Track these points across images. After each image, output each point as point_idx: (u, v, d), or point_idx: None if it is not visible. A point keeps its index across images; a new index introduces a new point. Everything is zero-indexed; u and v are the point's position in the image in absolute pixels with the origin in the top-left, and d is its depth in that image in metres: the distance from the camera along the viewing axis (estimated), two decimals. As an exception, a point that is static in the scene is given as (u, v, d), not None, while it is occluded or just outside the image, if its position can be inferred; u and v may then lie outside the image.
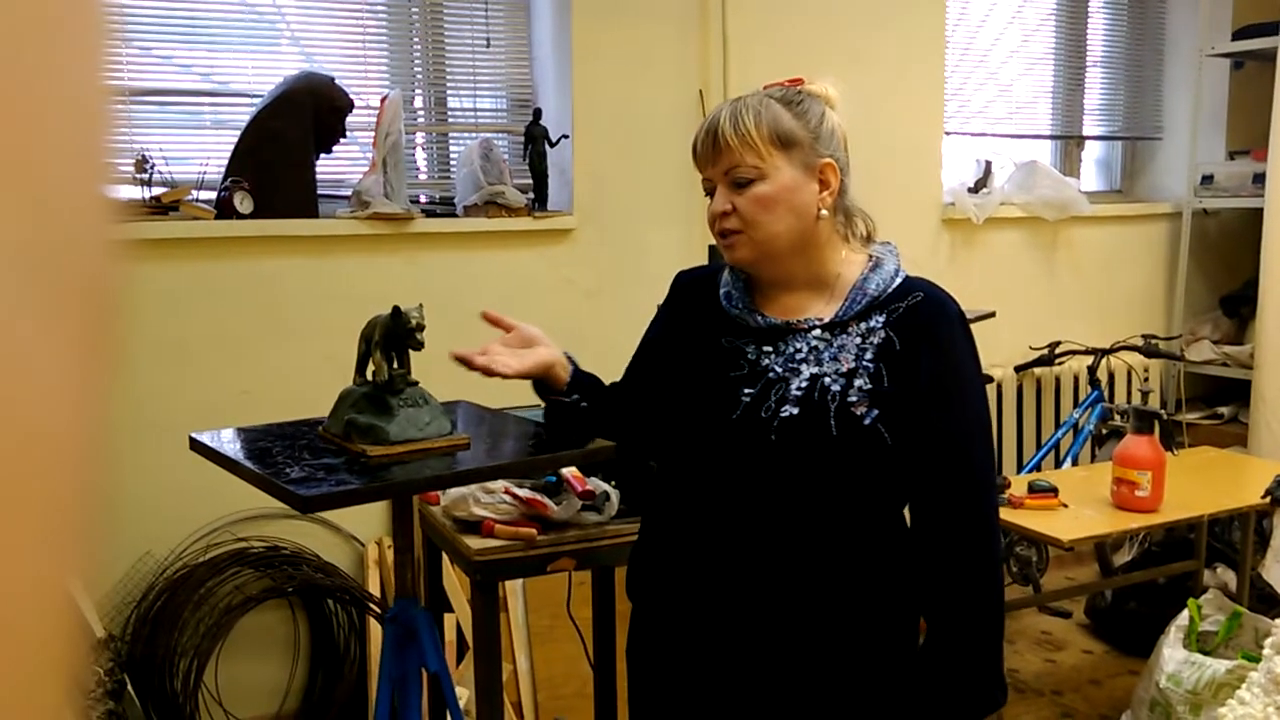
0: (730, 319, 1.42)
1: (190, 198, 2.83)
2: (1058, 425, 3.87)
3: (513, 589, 2.83)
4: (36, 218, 0.22)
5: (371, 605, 2.83)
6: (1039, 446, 3.84)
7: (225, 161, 2.87)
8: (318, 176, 3.04)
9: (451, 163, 3.26)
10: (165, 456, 2.45)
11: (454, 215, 3.13)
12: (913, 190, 3.71)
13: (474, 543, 1.74)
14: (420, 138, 3.30)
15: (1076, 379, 3.96)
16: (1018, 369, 3.84)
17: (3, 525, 0.21)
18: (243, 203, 2.80)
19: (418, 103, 3.27)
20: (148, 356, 2.70)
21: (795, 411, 1.31)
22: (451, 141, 3.30)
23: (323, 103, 2.93)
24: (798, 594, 1.31)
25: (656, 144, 3.23)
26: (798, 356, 1.36)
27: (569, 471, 1.80)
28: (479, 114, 3.30)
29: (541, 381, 1.49)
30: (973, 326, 3.29)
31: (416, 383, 1.43)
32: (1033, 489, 2.76)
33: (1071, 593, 3.53)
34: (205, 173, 2.87)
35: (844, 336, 1.35)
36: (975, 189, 3.86)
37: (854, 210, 1.44)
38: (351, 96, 2.98)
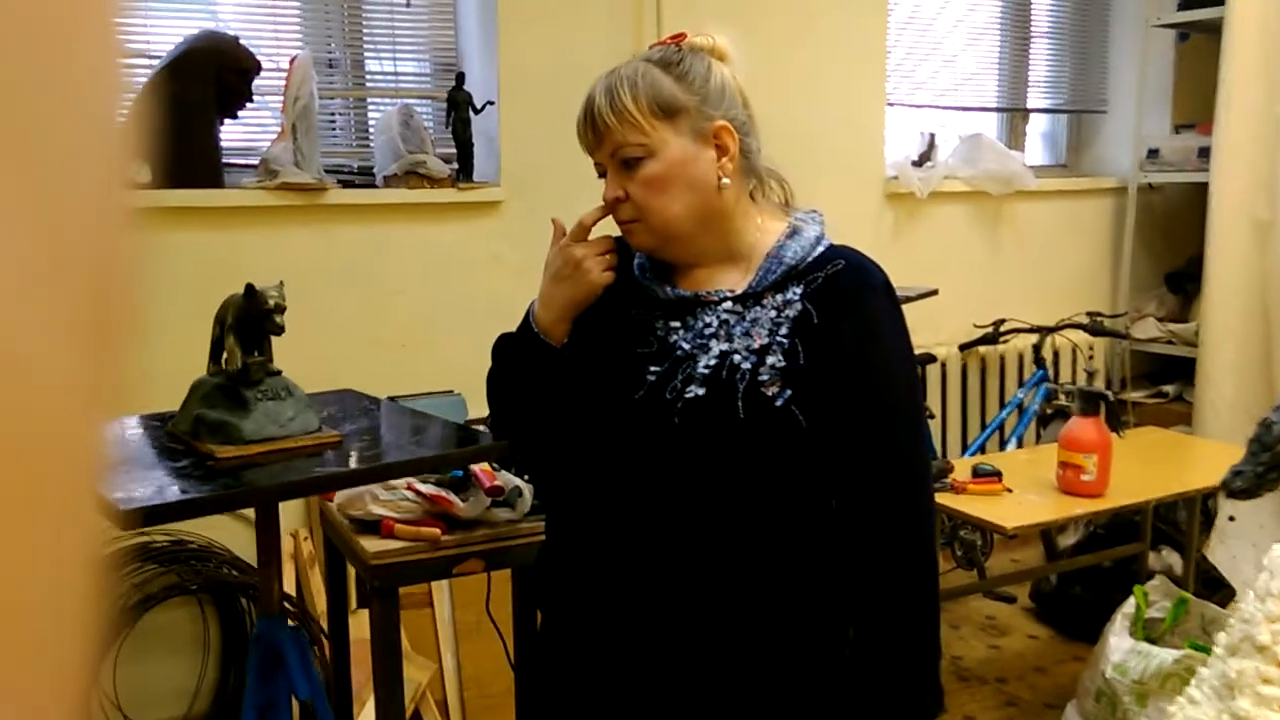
0: (641, 290, 1.29)
1: (81, 166, 2.62)
2: (1002, 405, 3.78)
3: (438, 584, 2.68)
4: (46, 209, 0.22)
5: (285, 605, 2.66)
6: (984, 427, 3.76)
7: (120, 127, 2.65)
8: (224, 144, 2.84)
9: (371, 130, 3.07)
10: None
11: (374, 186, 2.95)
12: (855, 163, 3.58)
13: (371, 544, 1.58)
14: (338, 103, 3.10)
15: (1021, 357, 3.88)
16: (962, 347, 3.75)
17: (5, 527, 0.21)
18: (139, 171, 2.59)
19: (334, 65, 3.07)
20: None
21: (701, 392, 1.19)
22: (371, 107, 3.10)
23: (226, 63, 2.73)
24: (711, 593, 1.19)
25: (588, 112, 3.06)
26: (707, 332, 1.24)
27: (478, 465, 1.65)
28: (400, 78, 3.11)
29: (531, 330, 1.30)
30: (915, 305, 3.15)
31: (278, 372, 1.25)
32: (976, 473, 2.66)
33: (1016, 578, 3.46)
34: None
35: (757, 309, 1.23)
36: (919, 162, 3.74)
37: (765, 173, 1.32)
38: (259, 58, 2.78)
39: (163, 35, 2.78)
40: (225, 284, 2.66)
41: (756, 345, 1.21)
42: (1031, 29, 4.16)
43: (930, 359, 3.46)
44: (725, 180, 1.23)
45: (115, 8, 0.24)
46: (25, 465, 0.21)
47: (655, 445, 1.20)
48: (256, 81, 2.80)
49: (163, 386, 2.34)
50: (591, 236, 1.31)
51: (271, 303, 1.21)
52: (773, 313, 1.23)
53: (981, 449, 3.64)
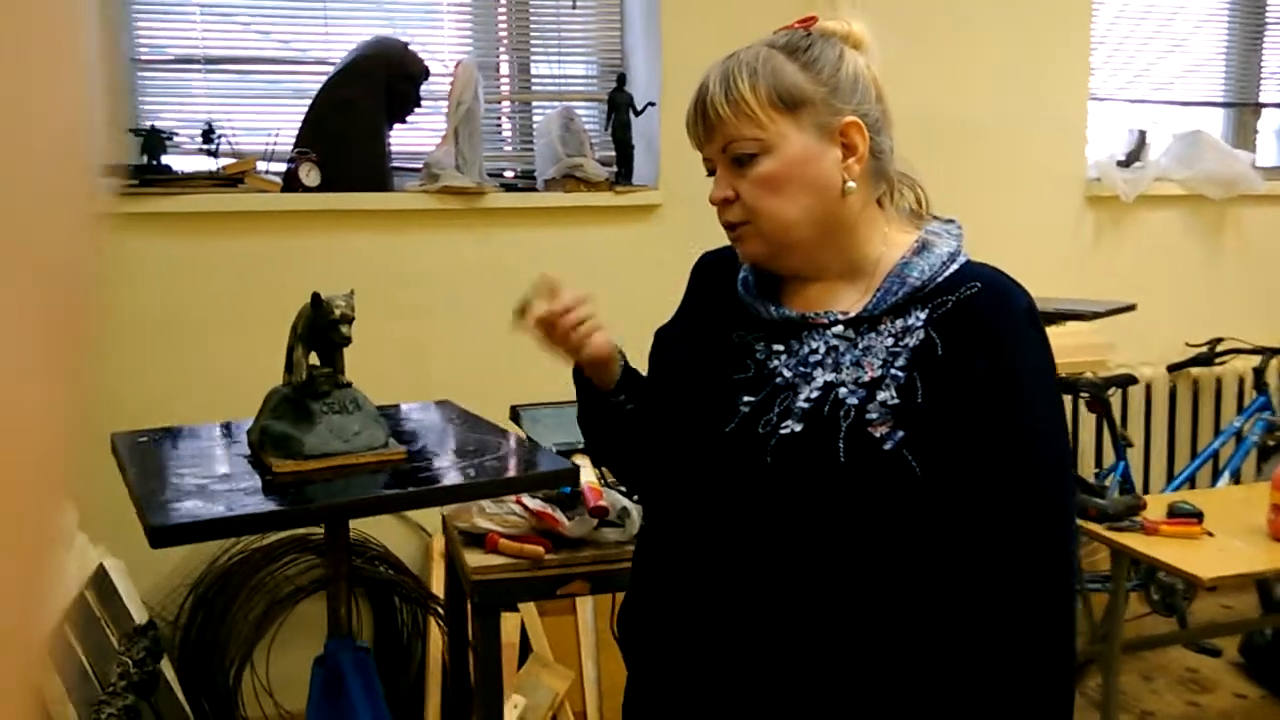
0: (744, 309, 1.16)
1: (262, 169, 2.73)
2: (1216, 433, 3.39)
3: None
4: (9, 211, 0.22)
5: (435, 606, 2.68)
6: (1193, 457, 3.38)
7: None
8: (393, 148, 2.90)
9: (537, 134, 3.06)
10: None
11: (535, 190, 2.94)
12: (1052, 163, 3.30)
13: (474, 559, 1.53)
14: (505, 107, 3.11)
15: (1241, 381, 3.46)
16: (1171, 368, 3.38)
17: None
18: (309, 175, 2.68)
19: (503, 70, 3.09)
20: (212, 330, 2.62)
21: (798, 429, 1.05)
22: (536, 111, 3.10)
23: (395, 70, 2.78)
24: (802, 655, 1.04)
25: (754, 112, 2.95)
26: (812, 359, 1.09)
27: (586, 482, 1.58)
28: (565, 81, 3.09)
29: (582, 373, 1.23)
30: (1113, 321, 2.81)
31: (348, 384, 1.21)
32: (1172, 513, 2.37)
33: (1225, 629, 3.08)
34: (275, 144, 2.76)
35: (872, 336, 1.08)
36: (1126, 163, 3.41)
37: (899, 177, 1.16)
38: (426, 63, 2.82)
39: (340, 42, 2.86)
40: (393, 283, 2.73)
41: (868, 378, 1.05)
42: (1266, 15, 3.71)
43: (1131, 380, 3.13)
44: (851, 183, 1.08)
45: (82, 24, 0.24)
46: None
47: (745, 485, 1.06)
48: (425, 87, 2.84)
49: (350, 373, 2.41)
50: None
51: (338, 312, 1.17)
52: (890, 340, 1.07)
53: (1190, 482, 3.27)
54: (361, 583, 2.75)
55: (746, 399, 1.09)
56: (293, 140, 2.74)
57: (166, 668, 2.33)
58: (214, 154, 2.65)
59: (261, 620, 2.57)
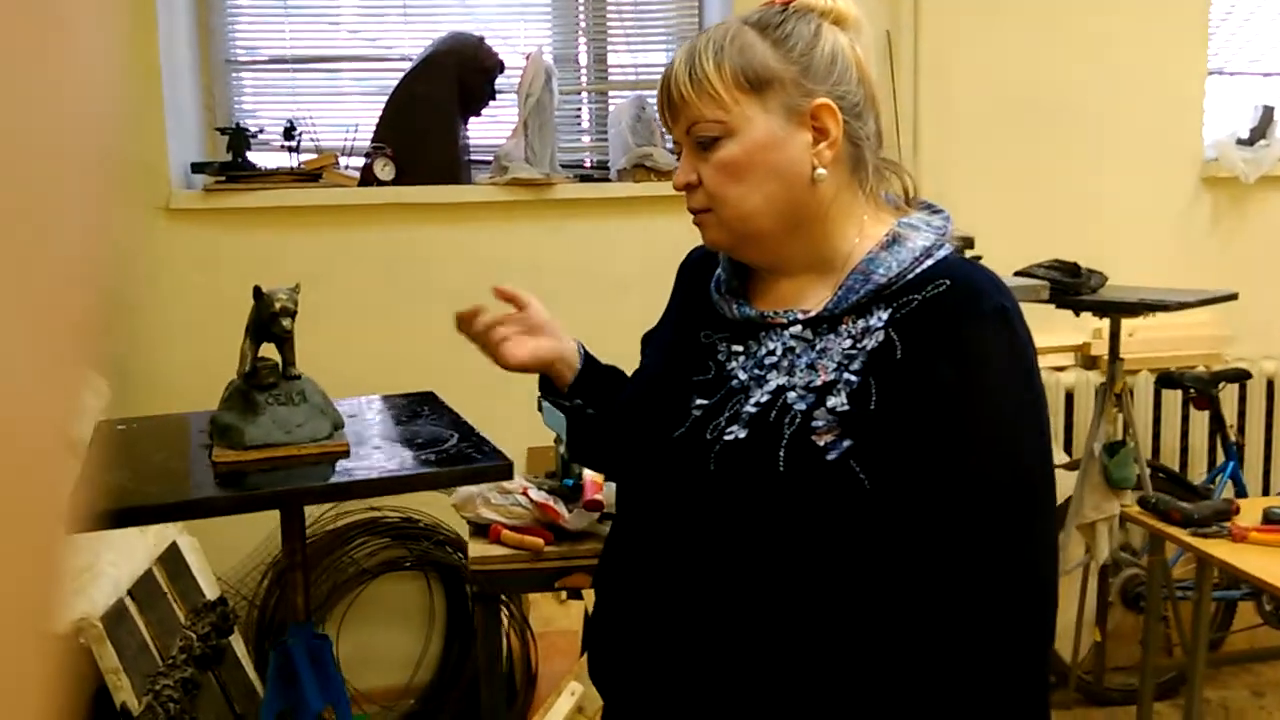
0: (714, 308, 1.12)
1: (342, 164, 2.82)
2: (1350, 434, 3.11)
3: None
4: (22, 220, 0.22)
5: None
6: (1320, 459, 3.11)
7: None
8: (471, 142, 2.95)
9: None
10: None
11: (609, 180, 2.94)
12: (1163, 141, 3.08)
13: (477, 548, 1.55)
14: (585, 97, 3.12)
15: (1380, 378, 3.16)
16: (1296, 363, 3.12)
17: None
18: (384, 169, 2.75)
19: (582, 60, 3.10)
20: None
21: (741, 435, 0.99)
22: (613, 100, 3.09)
23: (468, 65, 2.82)
24: (754, 670, 0.98)
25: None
26: (767, 361, 1.04)
27: (589, 475, 1.57)
28: (642, 70, 3.07)
29: (549, 379, 1.24)
30: (1224, 308, 2.59)
31: (297, 376, 1.23)
32: (1268, 518, 2.18)
33: (1346, 645, 2.83)
34: (354, 139, 2.84)
35: (830, 337, 1.01)
36: (1249, 141, 3.15)
37: (884, 164, 1.08)
38: (502, 57, 2.85)
39: (423, 38, 2.93)
40: (466, 276, 2.77)
41: (819, 382, 0.99)
42: None
43: (1244, 375, 2.90)
44: (821, 170, 1.01)
45: (102, 22, 0.24)
46: None
47: (689, 492, 1.01)
48: (501, 80, 2.88)
49: (406, 374, 2.47)
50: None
51: (278, 305, 1.19)
52: (848, 342, 1.00)
53: (1315, 486, 3.01)
54: (435, 567, 2.82)
55: (699, 402, 1.05)
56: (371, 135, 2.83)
57: (238, 643, 2.45)
58: (295, 150, 2.75)
59: (332, 600, 2.67)
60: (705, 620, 1.00)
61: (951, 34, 2.90)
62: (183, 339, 2.65)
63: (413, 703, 2.83)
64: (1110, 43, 2.98)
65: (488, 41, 2.84)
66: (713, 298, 1.12)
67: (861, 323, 1.00)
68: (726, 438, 1.00)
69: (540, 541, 1.53)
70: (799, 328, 1.04)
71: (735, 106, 1.00)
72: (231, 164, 2.70)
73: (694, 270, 1.21)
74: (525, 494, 1.58)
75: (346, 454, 1.21)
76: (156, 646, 2.05)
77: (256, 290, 1.18)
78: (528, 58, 2.81)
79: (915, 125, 2.90)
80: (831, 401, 0.97)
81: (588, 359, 1.25)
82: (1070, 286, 2.32)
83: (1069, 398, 2.99)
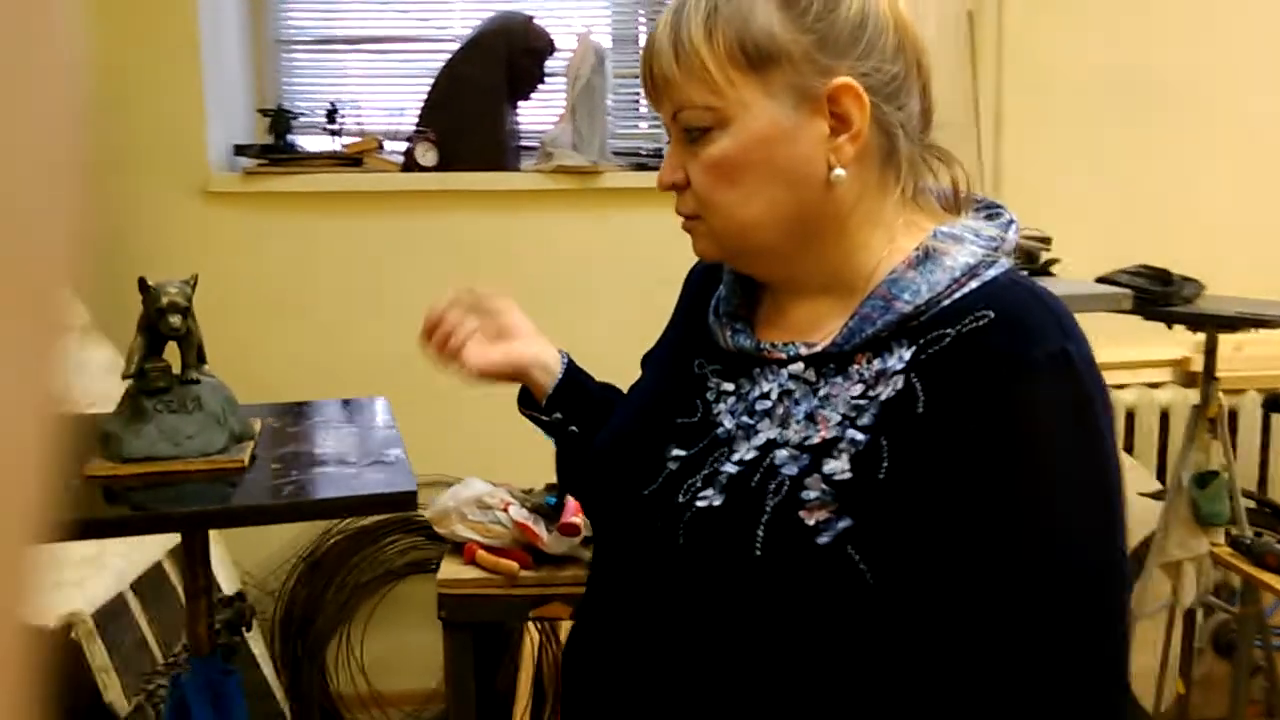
0: (709, 332, 0.92)
1: (387, 149, 2.73)
2: None
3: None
4: None
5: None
6: None
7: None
8: (521, 127, 2.82)
9: (671, 109, 2.89)
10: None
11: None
12: (1282, 137, 2.76)
13: (449, 569, 1.41)
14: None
15: None
16: None
17: None
18: (425, 155, 2.65)
19: (642, 41, 2.94)
20: (330, 310, 2.64)
21: (717, 503, 0.79)
22: (672, 85, 2.93)
23: (517, 45, 2.69)
24: None
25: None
26: (759, 406, 0.83)
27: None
28: (703, 52, 2.90)
29: (528, 390, 1.07)
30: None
31: (196, 380, 1.09)
32: (1382, 568, 1.91)
33: None
34: (399, 123, 2.75)
35: (837, 381, 0.80)
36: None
37: (924, 154, 0.85)
38: (551, 37, 2.71)
39: (474, 18, 2.81)
40: (510, 266, 2.65)
41: (817, 439, 0.78)
42: None
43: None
44: (839, 170, 0.80)
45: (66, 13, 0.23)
46: None
47: (657, 564, 0.83)
48: (552, 62, 2.74)
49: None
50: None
51: (165, 300, 1.05)
52: (858, 388, 0.79)
53: None
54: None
55: (676, 453, 0.85)
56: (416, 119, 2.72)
57: (257, 640, 2.38)
58: (337, 133, 2.67)
59: (359, 599, 2.59)
60: (675, 709, 0.82)
61: (1039, 11, 2.64)
62: (218, 326, 2.59)
63: (441, 707, 2.73)
64: (1222, 20, 2.67)
65: (541, 21, 2.70)
66: (710, 320, 0.91)
67: (877, 363, 0.79)
68: (699, 504, 0.80)
69: (515, 565, 1.39)
70: (799, 366, 0.83)
71: (730, 89, 0.79)
72: (273, 147, 2.63)
73: (701, 281, 1.01)
74: (506, 510, 1.44)
75: (243, 470, 1.07)
76: (159, 643, 1.98)
77: (142, 282, 1.06)
78: (579, 38, 2.67)
79: (998, 114, 2.66)
80: (830, 466, 0.76)
81: (570, 367, 1.08)
82: (1158, 296, 2.06)
83: (1164, 418, 2.71)
